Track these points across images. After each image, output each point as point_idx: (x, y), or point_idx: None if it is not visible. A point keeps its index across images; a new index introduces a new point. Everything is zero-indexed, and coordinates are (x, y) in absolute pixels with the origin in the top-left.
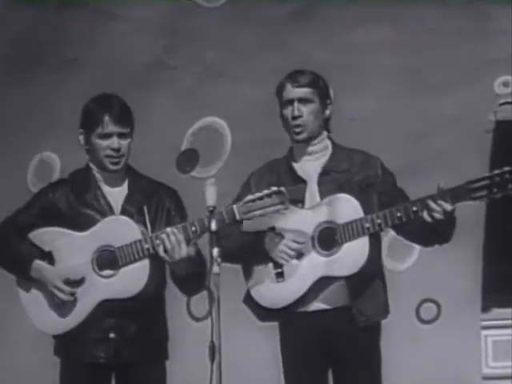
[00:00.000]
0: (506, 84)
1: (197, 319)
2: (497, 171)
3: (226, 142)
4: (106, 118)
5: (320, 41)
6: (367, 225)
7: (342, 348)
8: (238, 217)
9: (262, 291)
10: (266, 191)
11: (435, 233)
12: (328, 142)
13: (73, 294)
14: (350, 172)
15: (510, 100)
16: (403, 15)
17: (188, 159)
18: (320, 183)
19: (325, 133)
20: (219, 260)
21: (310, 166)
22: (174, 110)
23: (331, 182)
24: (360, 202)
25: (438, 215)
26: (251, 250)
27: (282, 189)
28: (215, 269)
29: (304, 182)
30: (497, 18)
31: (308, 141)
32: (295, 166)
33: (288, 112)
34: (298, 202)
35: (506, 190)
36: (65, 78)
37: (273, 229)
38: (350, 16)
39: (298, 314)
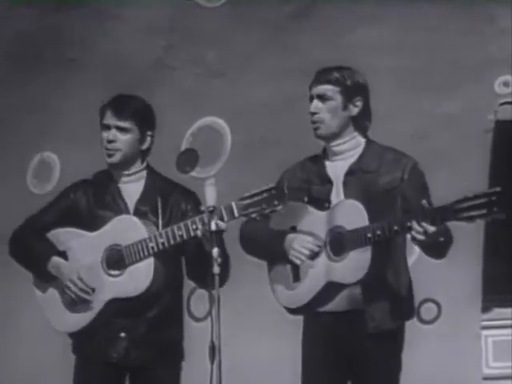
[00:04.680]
0: (506, 84)
1: (197, 319)
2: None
3: (225, 142)
4: (108, 112)
5: (320, 41)
6: (369, 234)
7: (355, 349)
8: (236, 214)
9: (279, 290)
10: (263, 187)
11: (434, 246)
12: (360, 140)
13: (85, 291)
14: (378, 172)
15: (510, 100)
16: (403, 15)
17: (188, 159)
18: (345, 183)
19: (354, 131)
20: (219, 260)
21: (338, 166)
22: (174, 110)
23: (356, 183)
24: (383, 205)
25: (420, 236)
26: (273, 248)
27: (279, 186)
28: (215, 269)
29: (330, 182)
30: (497, 18)
31: (328, 138)
32: (327, 164)
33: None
34: (325, 202)
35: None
36: (65, 78)
37: (294, 228)
38: (350, 16)
39: (318, 313)
